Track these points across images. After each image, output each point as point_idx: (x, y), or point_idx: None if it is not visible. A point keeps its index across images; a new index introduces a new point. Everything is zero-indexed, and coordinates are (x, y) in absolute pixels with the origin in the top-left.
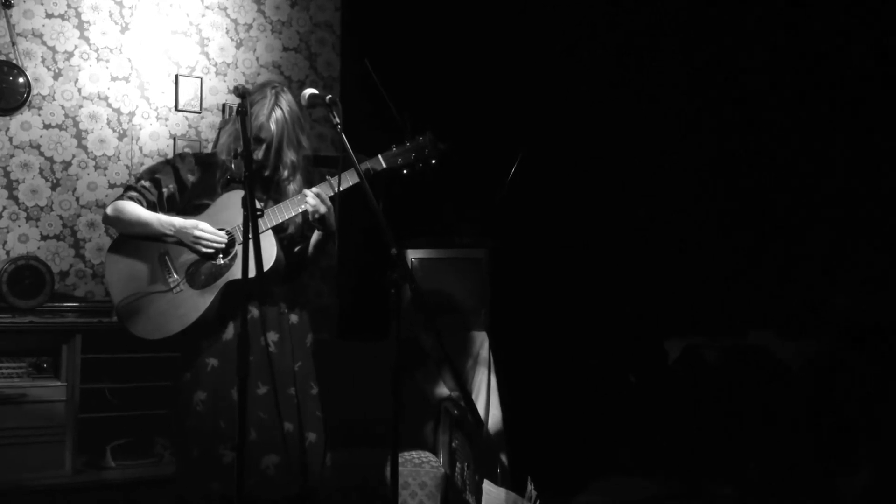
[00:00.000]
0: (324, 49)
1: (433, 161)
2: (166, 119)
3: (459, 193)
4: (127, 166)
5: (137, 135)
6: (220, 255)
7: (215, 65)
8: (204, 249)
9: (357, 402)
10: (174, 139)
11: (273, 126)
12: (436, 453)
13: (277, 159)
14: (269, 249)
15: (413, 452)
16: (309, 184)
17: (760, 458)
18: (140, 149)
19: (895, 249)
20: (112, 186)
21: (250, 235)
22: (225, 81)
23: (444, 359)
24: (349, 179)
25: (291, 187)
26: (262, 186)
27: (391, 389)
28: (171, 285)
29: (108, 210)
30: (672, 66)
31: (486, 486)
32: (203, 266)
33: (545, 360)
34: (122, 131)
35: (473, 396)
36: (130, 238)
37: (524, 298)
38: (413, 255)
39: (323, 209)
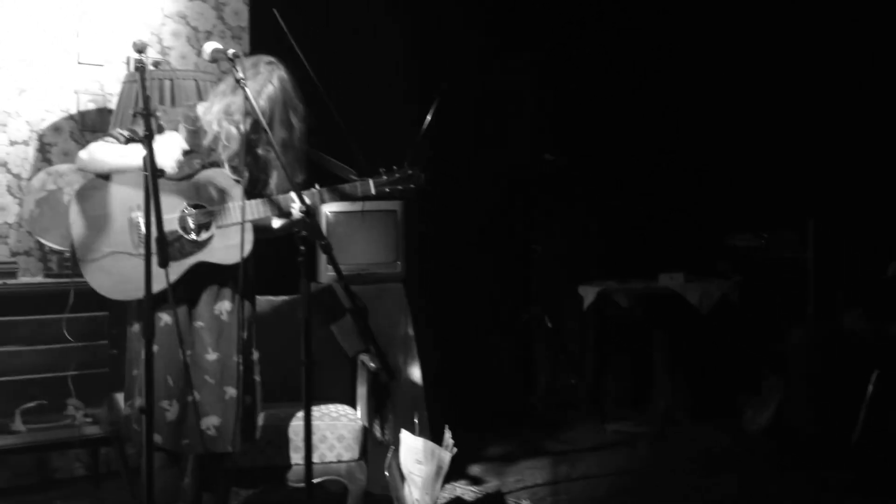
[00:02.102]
0: None
1: (412, 189)
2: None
3: (372, 144)
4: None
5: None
6: (194, 232)
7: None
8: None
9: (279, 358)
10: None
11: (265, 102)
12: (354, 406)
13: (268, 137)
14: (247, 235)
15: (331, 406)
16: (299, 164)
17: (670, 397)
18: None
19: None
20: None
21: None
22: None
23: (356, 311)
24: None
25: (275, 176)
26: (253, 163)
27: (302, 344)
28: (141, 251)
29: (82, 153)
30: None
31: (404, 436)
32: (175, 239)
33: (460, 309)
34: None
35: (392, 347)
36: (100, 189)
37: (439, 249)
38: (327, 209)
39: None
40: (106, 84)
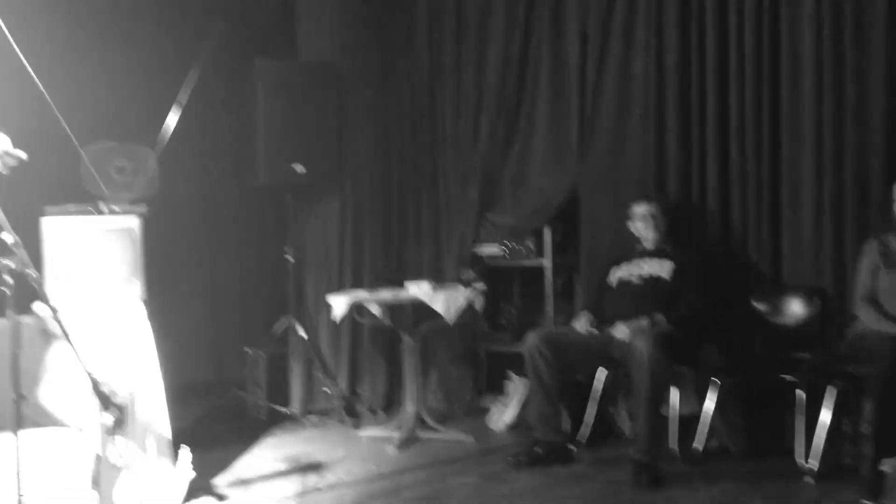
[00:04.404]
0: None
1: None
2: None
3: (101, 158)
4: None
5: None
6: None
7: None
8: None
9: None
10: None
11: None
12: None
13: None
14: None
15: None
16: None
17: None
18: None
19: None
20: None
21: None
22: None
23: (67, 335)
24: None
25: None
26: None
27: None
28: None
29: None
30: None
31: (140, 458)
32: None
33: (210, 322)
34: None
35: (130, 367)
36: None
37: (185, 262)
38: (59, 225)
39: None
40: None
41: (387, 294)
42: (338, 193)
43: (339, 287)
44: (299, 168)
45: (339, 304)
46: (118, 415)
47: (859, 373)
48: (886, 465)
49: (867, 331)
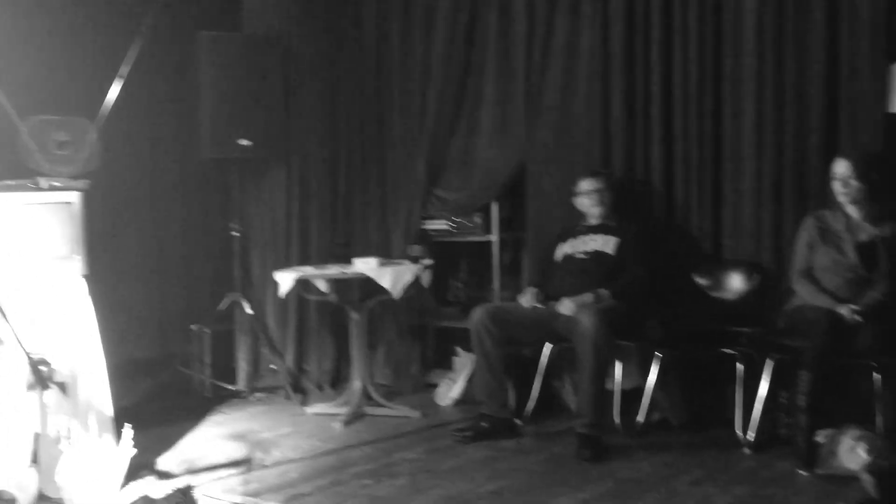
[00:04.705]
0: None
1: None
2: None
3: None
4: None
5: None
6: None
7: None
8: None
9: None
10: None
11: None
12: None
13: None
14: None
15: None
16: None
17: (368, 377)
18: None
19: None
20: None
21: None
22: None
23: (4, 313)
24: None
25: None
26: None
27: None
28: None
29: None
30: None
31: (82, 436)
32: None
33: (153, 299)
34: None
35: (71, 344)
36: None
37: (127, 238)
38: None
39: None
40: None
41: (333, 270)
42: (284, 168)
43: (286, 263)
44: (244, 142)
45: (285, 279)
46: (57, 393)
47: (796, 346)
48: (820, 436)
49: (803, 305)
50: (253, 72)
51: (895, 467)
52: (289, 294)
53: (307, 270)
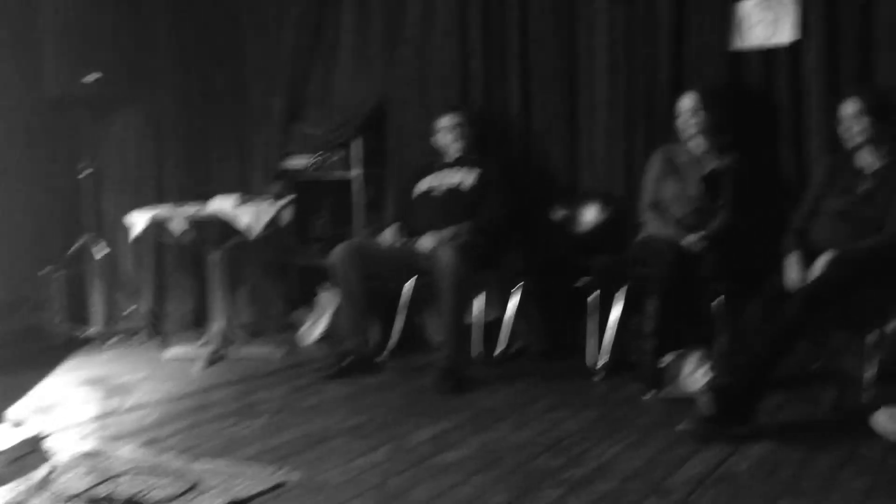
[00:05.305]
0: None
1: None
2: None
3: None
4: None
5: None
6: None
7: None
8: None
9: None
10: None
11: None
12: None
13: None
14: None
15: None
16: None
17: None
18: None
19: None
20: None
21: None
22: None
23: None
24: None
25: None
26: None
27: None
28: None
29: None
30: None
31: None
32: None
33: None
34: None
35: None
36: None
37: None
38: None
39: None
40: None
41: (189, 209)
42: (136, 105)
43: (141, 203)
44: (92, 77)
45: (139, 220)
46: None
47: (644, 275)
48: (666, 359)
49: (651, 236)
50: (100, 3)
51: (733, 386)
52: (142, 235)
53: (162, 212)
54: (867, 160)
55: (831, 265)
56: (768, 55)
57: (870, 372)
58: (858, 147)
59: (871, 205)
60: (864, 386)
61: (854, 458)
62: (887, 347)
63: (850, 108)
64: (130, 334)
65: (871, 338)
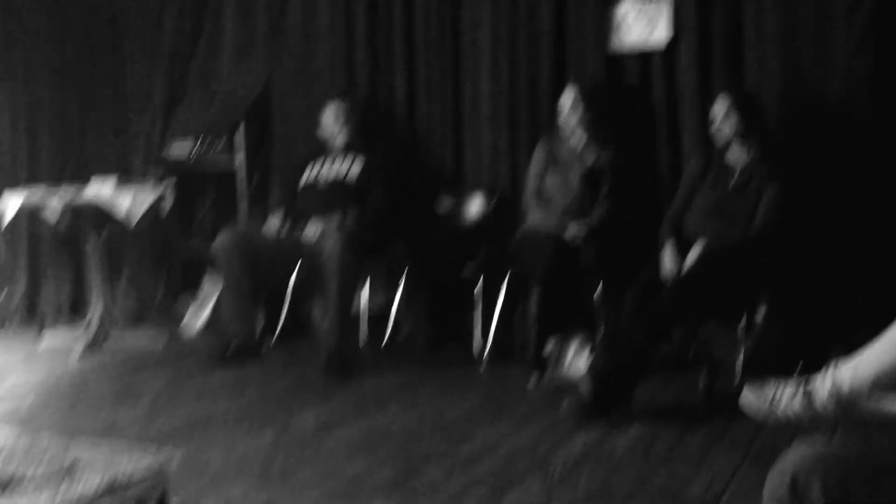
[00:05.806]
0: None
1: None
2: None
3: None
4: None
5: None
6: None
7: None
8: None
9: None
10: None
11: None
12: None
13: None
14: None
15: None
16: None
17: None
18: None
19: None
20: None
21: None
22: None
23: None
24: None
25: None
26: None
27: None
28: None
29: None
30: None
31: None
32: None
33: None
34: None
35: None
36: None
37: None
38: None
39: None
40: None
41: (66, 193)
42: (7, 82)
43: (13, 184)
44: None
45: (10, 206)
46: None
47: (527, 265)
48: (548, 347)
49: (533, 228)
50: None
51: (611, 371)
52: (18, 221)
53: (35, 196)
54: (737, 155)
55: (703, 257)
56: (644, 56)
57: (740, 358)
58: (729, 142)
59: (742, 198)
60: (735, 371)
61: (724, 436)
62: (756, 335)
63: (720, 105)
64: (2, 321)
65: (740, 326)
